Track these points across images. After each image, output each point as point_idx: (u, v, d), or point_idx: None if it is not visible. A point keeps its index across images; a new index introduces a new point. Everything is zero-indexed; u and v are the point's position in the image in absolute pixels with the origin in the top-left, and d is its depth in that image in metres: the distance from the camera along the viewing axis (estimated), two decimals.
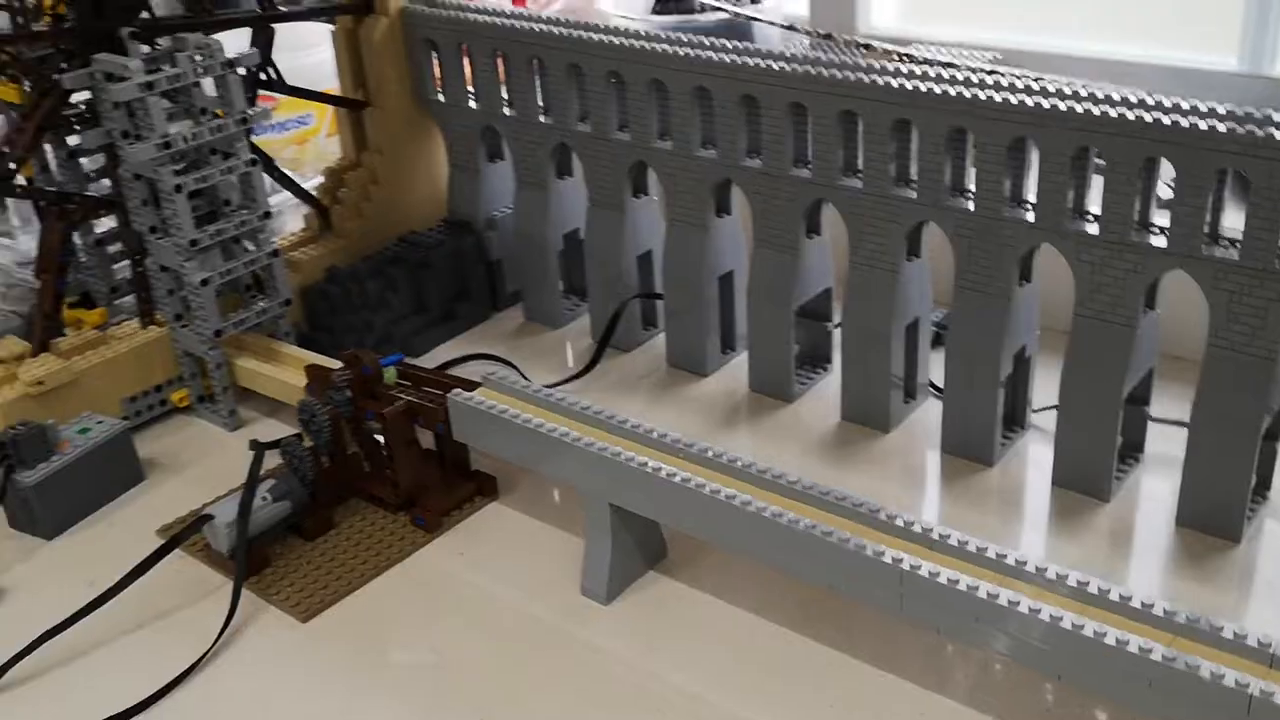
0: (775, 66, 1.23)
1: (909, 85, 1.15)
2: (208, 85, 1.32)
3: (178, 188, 1.28)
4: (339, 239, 1.59)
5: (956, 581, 0.87)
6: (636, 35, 1.36)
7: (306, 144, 2.09)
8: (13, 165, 1.31)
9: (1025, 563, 0.88)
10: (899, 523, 0.93)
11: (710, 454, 1.03)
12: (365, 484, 1.24)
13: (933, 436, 1.29)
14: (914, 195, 1.19)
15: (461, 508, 1.22)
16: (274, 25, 1.51)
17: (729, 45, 1.30)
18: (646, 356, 1.51)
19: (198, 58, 1.28)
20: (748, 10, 1.67)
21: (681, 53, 1.29)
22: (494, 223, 1.62)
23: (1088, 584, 0.85)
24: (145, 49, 1.32)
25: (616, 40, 1.35)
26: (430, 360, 1.52)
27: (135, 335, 1.40)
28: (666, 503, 1.02)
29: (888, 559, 0.90)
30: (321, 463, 1.20)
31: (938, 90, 1.13)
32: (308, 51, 1.86)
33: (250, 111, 1.34)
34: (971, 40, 1.52)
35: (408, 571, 1.15)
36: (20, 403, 1.29)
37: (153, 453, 1.36)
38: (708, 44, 1.31)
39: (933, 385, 1.36)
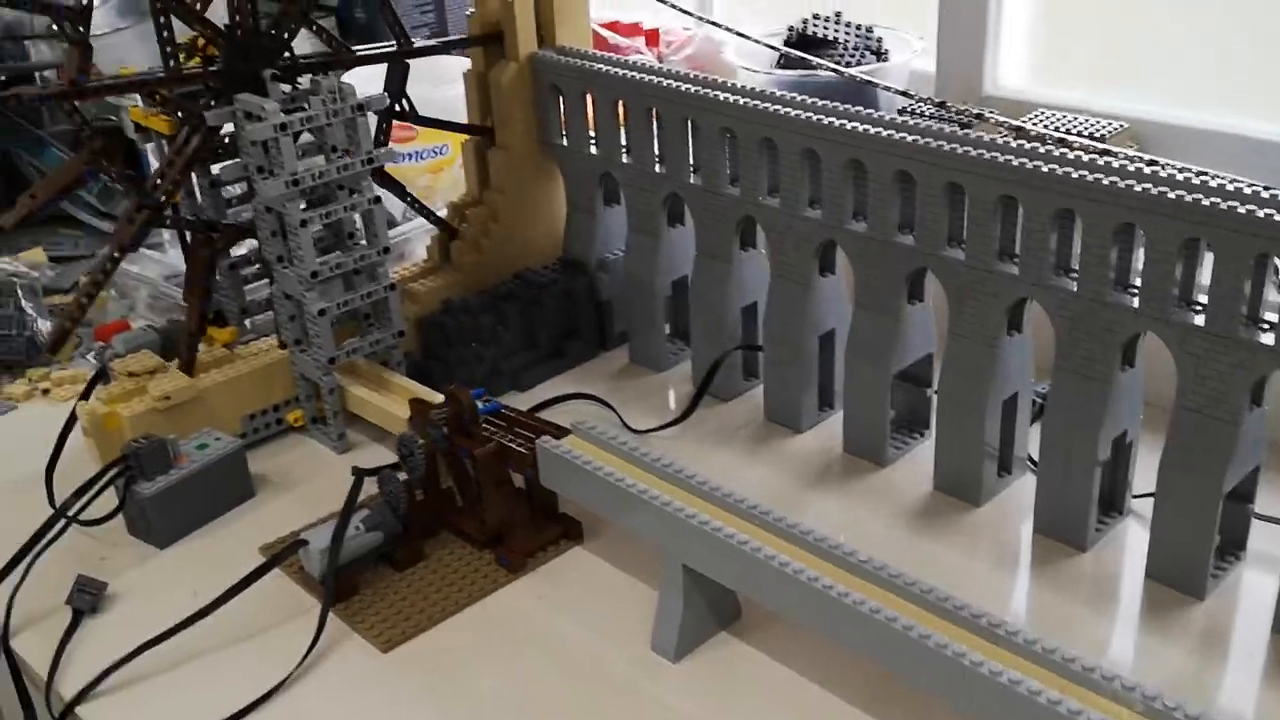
0: (884, 134, 1.23)
1: (1017, 162, 1.13)
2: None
3: (303, 222, 1.35)
4: (457, 272, 1.64)
5: (1019, 683, 0.86)
6: (751, 94, 1.38)
7: (441, 173, 2.16)
8: (163, 197, 1.40)
9: (1094, 669, 0.86)
10: (971, 615, 0.92)
11: (787, 525, 1.03)
12: (456, 519, 1.28)
13: (1026, 514, 1.26)
14: (1016, 271, 1.18)
15: (546, 550, 1.25)
16: (409, 60, 1.58)
17: (841, 109, 1.30)
18: (744, 407, 1.52)
19: (330, 102, 1.34)
20: (869, 66, 1.66)
21: (793, 114, 1.30)
22: (606, 264, 1.66)
23: (1155, 699, 0.83)
24: (286, 88, 1.40)
25: (731, 98, 1.37)
26: (535, 396, 1.56)
27: (258, 356, 1.48)
28: (739, 570, 1.03)
29: (950, 652, 0.89)
30: (415, 496, 1.25)
31: (1045, 169, 1.11)
32: (443, 86, 1.93)
33: (376, 153, 1.40)
34: (1098, 107, 1.49)
35: (488, 609, 1.18)
36: (148, 416, 1.37)
37: (265, 469, 1.43)
38: (820, 106, 1.32)
39: (1030, 460, 1.33)
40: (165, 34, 1.34)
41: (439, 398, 1.36)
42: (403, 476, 1.24)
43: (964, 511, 1.29)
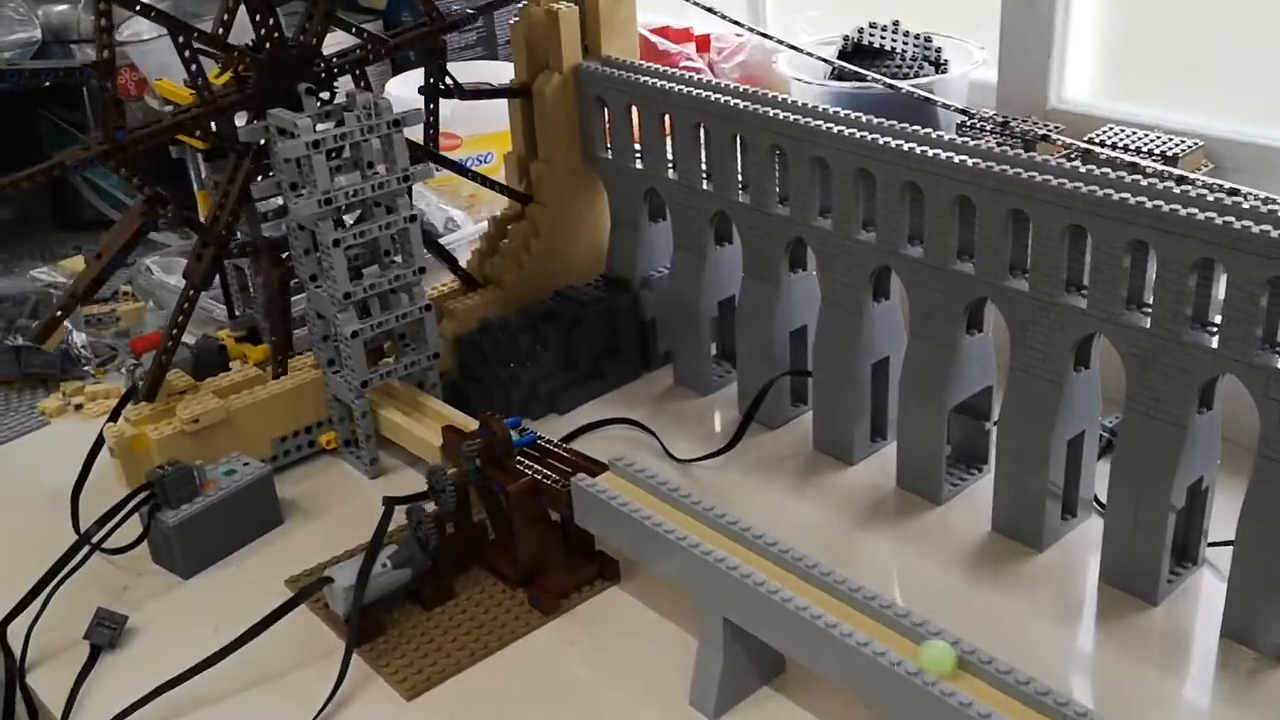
0: (942, 156, 1.15)
1: (1085, 189, 1.05)
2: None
3: (335, 242, 1.30)
4: (496, 289, 1.59)
5: None
6: (803, 110, 1.31)
7: None
8: (224, 231, 1.37)
9: None
10: (1036, 692, 0.85)
11: (835, 580, 0.96)
12: (489, 554, 1.23)
13: (1091, 561, 1.19)
14: (1084, 305, 1.10)
15: (581, 590, 1.19)
16: (445, 36, 1.51)
17: (896, 128, 1.23)
18: (792, 436, 1.45)
19: (365, 117, 1.29)
20: (927, 79, 1.59)
21: (846, 133, 1.23)
22: (650, 282, 1.60)
23: None
24: (324, 95, 1.36)
25: (781, 115, 1.30)
26: (575, 420, 1.51)
27: (291, 376, 1.43)
28: (783, 629, 0.96)
29: None
30: (446, 530, 1.20)
31: (1116, 198, 1.03)
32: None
33: (413, 170, 1.35)
34: (1170, 124, 1.40)
35: (519, 654, 1.13)
36: (176, 438, 1.34)
37: (295, 494, 1.39)
38: (875, 125, 1.25)
39: (1097, 501, 1.25)
40: (194, 67, 1.31)
41: (473, 424, 1.31)
42: (432, 508, 1.19)
43: (1024, 556, 1.21)
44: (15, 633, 1.17)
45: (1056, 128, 1.36)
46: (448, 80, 1.52)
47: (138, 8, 1.26)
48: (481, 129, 2.02)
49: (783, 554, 0.99)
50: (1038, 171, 1.10)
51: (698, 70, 2.04)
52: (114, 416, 1.42)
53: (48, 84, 2.08)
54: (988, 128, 1.30)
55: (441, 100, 1.53)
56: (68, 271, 1.93)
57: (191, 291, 1.38)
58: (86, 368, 1.71)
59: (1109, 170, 1.08)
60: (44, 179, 1.25)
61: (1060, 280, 1.11)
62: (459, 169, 1.59)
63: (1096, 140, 1.36)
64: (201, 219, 1.51)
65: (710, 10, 1.53)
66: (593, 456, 1.20)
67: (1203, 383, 1.04)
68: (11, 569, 1.25)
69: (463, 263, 1.72)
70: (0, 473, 1.51)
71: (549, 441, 1.24)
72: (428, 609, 1.18)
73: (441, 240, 1.84)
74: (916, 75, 1.60)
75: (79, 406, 1.63)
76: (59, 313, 1.32)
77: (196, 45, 1.30)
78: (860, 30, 1.66)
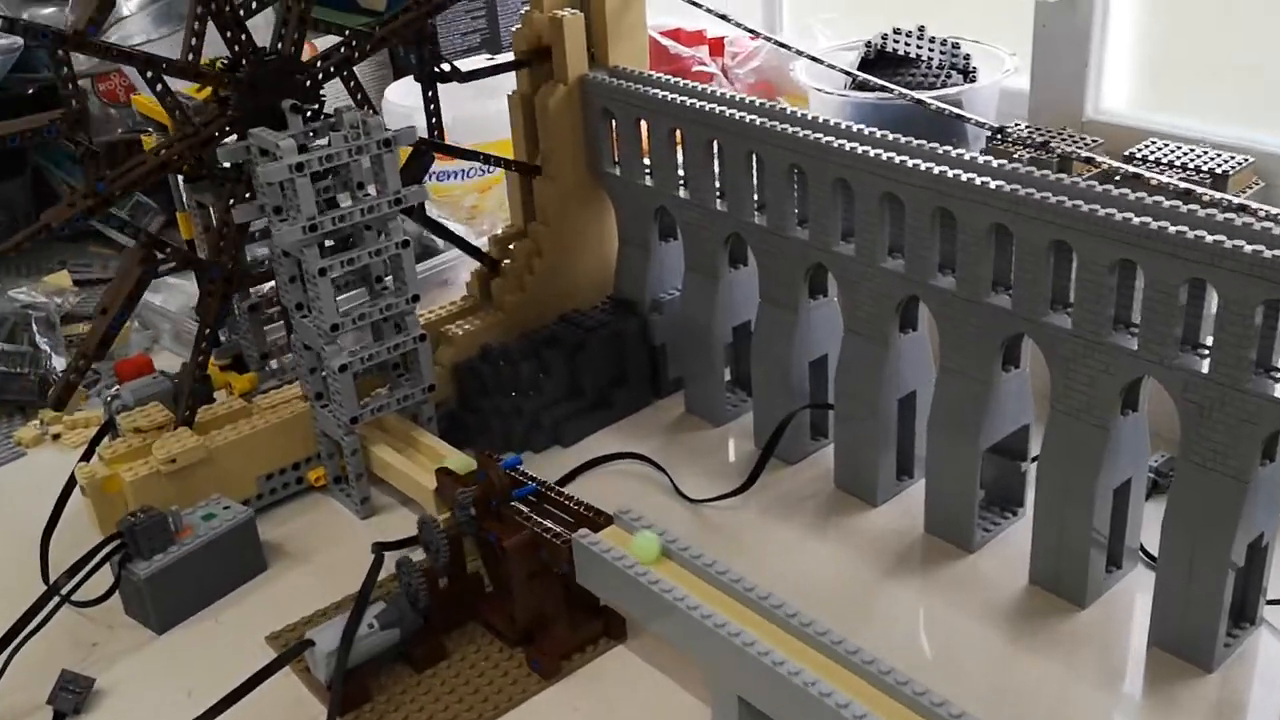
0: (976, 181, 1.06)
1: (1136, 220, 0.96)
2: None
3: (322, 270, 1.21)
4: (498, 312, 1.50)
5: None
6: (823, 127, 1.21)
7: (489, 192, 2.02)
8: (230, 264, 1.30)
9: None
10: None
11: (863, 660, 0.87)
12: (485, 607, 1.14)
13: (1139, 620, 1.09)
14: (1134, 345, 1.00)
15: (584, 649, 1.10)
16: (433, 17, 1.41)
17: (926, 148, 1.14)
18: (813, 472, 1.36)
19: (353, 137, 1.20)
20: (955, 88, 1.49)
21: (871, 153, 1.14)
22: (660, 305, 1.51)
23: None
24: (313, 107, 1.27)
25: (801, 132, 1.21)
26: (580, 452, 1.42)
27: (275, 410, 1.35)
28: (801, 713, 0.87)
29: None
30: (439, 584, 1.11)
31: (1172, 231, 0.94)
32: (491, 100, 1.79)
33: (405, 192, 1.26)
34: (1218, 138, 1.30)
35: None
36: (151, 479, 1.25)
37: (281, 535, 1.31)
38: (902, 144, 1.15)
39: (1144, 551, 1.16)
40: (169, 100, 1.22)
41: (470, 464, 1.22)
42: (421, 558, 1.11)
43: (1065, 614, 1.12)
44: None
45: (1096, 142, 1.27)
46: (443, 65, 1.43)
47: (99, 51, 1.17)
48: (487, 137, 1.92)
49: (803, 626, 0.90)
50: (1083, 199, 1.00)
51: (710, 75, 1.95)
52: (87, 455, 1.33)
53: (30, 92, 2.00)
54: (1021, 144, 1.20)
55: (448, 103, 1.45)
56: (49, 289, 1.84)
57: (207, 330, 1.32)
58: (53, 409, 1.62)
59: (1161, 198, 0.99)
60: (29, 244, 1.17)
61: (1107, 317, 1.02)
62: (465, 153, 1.50)
63: (1138, 157, 1.26)
64: (185, 243, 1.44)
65: (723, 17, 1.43)
66: (596, 506, 1.11)
67: (1267, 435, 0.94)
68: None
69: (460, 286, 1.64)
70: None
71: (550, 488, 1.14)
72: (418, 671, 1.09)
73: (440, 255, 1.75)
74: (943, 84, 1.51)
75: (56, 437, 1.54)
76: (72, 376, 1.25)
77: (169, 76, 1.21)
78: (884, 36, 1.56)
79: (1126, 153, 1.26)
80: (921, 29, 1.55)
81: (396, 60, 2.24)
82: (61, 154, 2.19)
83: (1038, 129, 1.31)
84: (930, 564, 1.20)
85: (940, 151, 1.13)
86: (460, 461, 1.24)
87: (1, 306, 1.67)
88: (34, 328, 1.64)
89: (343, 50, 1.33)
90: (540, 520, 1.09)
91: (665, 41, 2.00)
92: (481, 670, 1.09)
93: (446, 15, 2.22)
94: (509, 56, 1.50)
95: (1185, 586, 1.03)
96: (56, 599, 1.15)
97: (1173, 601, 1.04)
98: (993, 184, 1.05)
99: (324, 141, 1.20)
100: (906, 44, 1.55)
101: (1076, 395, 1.06)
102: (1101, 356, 1.03)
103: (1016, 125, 1.31)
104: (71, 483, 1.29)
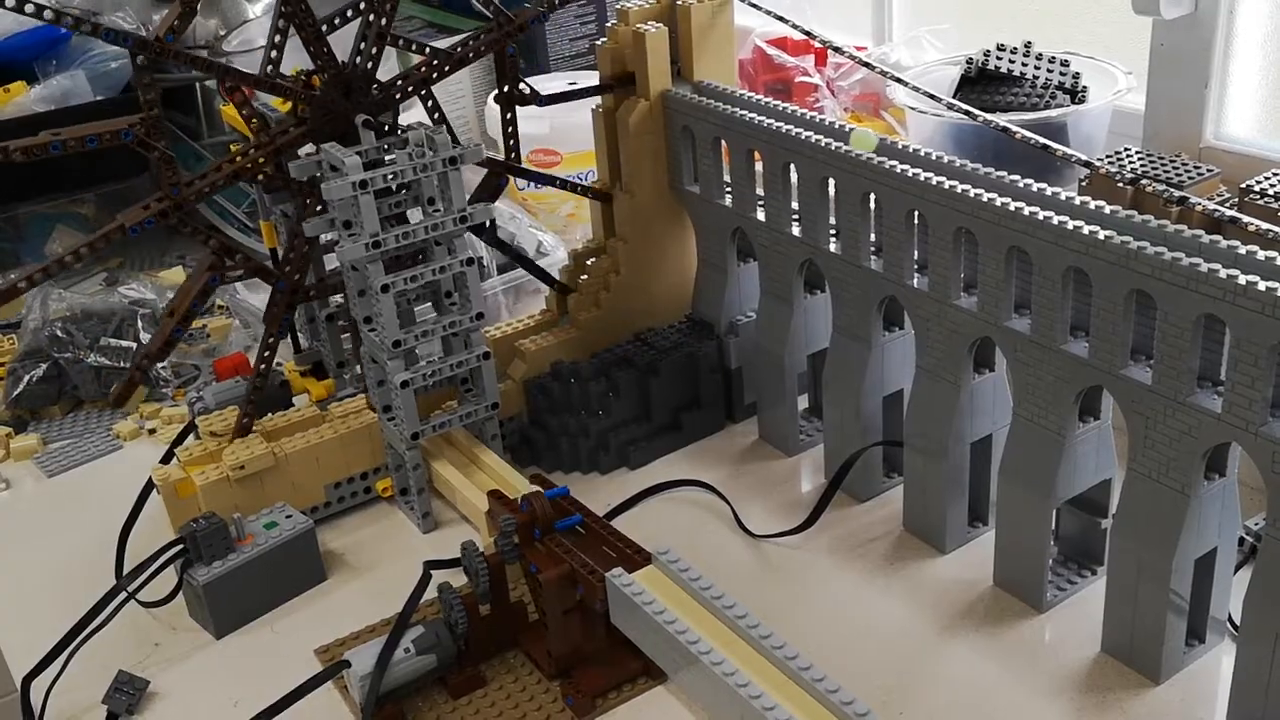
0: (1054, 220, 0.99)
1: (1224, 273, 0.88)
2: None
3: (384, 288, 1.22)
4: (573, 328, 1.49)
5: None
6: (901, 155, 1.16)
7: (586, 200, 2.00)
8: (297, 276, 1.32)
9: None
10: None
11: None
12: (527, 636, 1.13)
13: (1219, 701, 1.01)
14: (1220, 409, 0.92)
15: (621, 689, 1.08)
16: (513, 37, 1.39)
17: (1006, 181, 1.07)
18: (882, 512, 1.31)
19: (418, 155, 1.20)
20: (1061, 110, 1.40)
21: (945, 185, 1.08)
22: (736, 328, 1.47)
23: None
24: (384, 126, 1.28)
25: (875, 159, 1.15)
26: (645, 476, 1.40)
27: (345, 420, 1.36)
28: None
29: None
30: (479, 611, 1.10)
31: (1261, 286, 0.85)
32: (578, 112, 1.77)
33: (470, 210, 1.25)
34: None
35: None
36: (221, 484, 1.28)
37: (344, 545, 1.32)
38: (981, 176, 1.09)
39: (1231, 623, 1.07)
40: (244, 112, 1.24)
41: (526, 486, 1.21)
42: (464, 583, 1.10)
43: (1139, 688, 1.04)
44: (39, 685, 1.13)
45: (1212, 171, 1.17)
46: (522, 87, 1.42)
47: (177, 59, 1.18)
48: (583, 146, 1.91)
49: (829, 694, 0.86)
50: (1166, 246, 0.92)
51: (814, 87, 1.89)
52: (167, 456, 1.37)
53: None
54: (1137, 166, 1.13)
55: (539, 117, 1.43)
56: (164, 285, 1.91)
57: (270, 338, 1.34)
58: (165, 389, 1.68)
59: (1256, 249, 0.90)
60: (105, 243, 1.20)
61: (1191, 374, 0.94)
62: (534, 175, 1.49)
63: (1257, 189, 1.16)
64: (269, 252, 1.46)
65: (809, 35, 1.38)
66: (647, 539, 1.08)
67: None
68: (53, 607, 1.22)
69: (539, 300, 1.63)
70: (66, 498, 1.49)
71: (595, 520, 1.12)
72: (454, 698, 1.08)
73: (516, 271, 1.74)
74: (1047, 105, 1.42)
75: (153, 431, 1.60)
76: (136, 373, 1.28)
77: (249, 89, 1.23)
78: (986, 53, 1.48)
79: (1244, 184, 1.17)
80: (1028, 45, 1.47)
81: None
82: (187, 151, 2.27)
83: (1148, 154, 1.22)
84: (996, 622, 1.14)
85: (1022, 186, 1.06)
86: (516, 484, 1.23)
87: (110, 303, 1.73)
88: (139, 324, 1.69)
89: (422, 70, 1.33)
90: (580, 554, 1.07)
91: (770, 50, 1.95)
92: (517, 702, 1.08)
93: (556, 21, 2.21)
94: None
95: (1270, 666, 0.94)
96: (122, 596, 1.18)
97: (1257, 682, 0.96)
98: (1070, 224, 0.98)
99: (391, 158, 1.20)
100: (1010, 61, 1.47)
101: (1155, 456, 0.98)
102: (1183, 418, 0.95)
103: (1124, 151, 1.22)
104: (151, 483, 1.33)
